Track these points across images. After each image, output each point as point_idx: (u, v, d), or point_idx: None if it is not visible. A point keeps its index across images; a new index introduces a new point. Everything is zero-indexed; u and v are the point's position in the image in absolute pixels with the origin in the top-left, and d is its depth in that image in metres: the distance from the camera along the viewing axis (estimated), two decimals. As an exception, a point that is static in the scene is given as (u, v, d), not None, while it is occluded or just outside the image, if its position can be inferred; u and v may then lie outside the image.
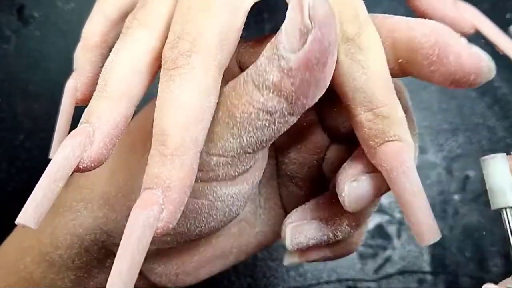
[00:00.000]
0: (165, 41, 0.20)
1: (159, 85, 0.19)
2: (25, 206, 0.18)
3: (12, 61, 0.44)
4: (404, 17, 0.20)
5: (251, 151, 0.20)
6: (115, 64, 0.20)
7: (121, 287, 0.17)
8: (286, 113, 0.19)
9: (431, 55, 0.19)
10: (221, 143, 0.20)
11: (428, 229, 0.19)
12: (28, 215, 0.18)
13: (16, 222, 0.18)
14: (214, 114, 0.19)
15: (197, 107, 0.18)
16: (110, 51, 0.22)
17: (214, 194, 0.21)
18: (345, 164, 0.22)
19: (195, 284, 0.27)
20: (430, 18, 0.21)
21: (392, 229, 0.43)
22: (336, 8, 0.19)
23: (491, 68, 0.19)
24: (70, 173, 0.19)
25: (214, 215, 0.22)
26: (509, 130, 0.45)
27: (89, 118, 0.19)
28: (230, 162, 0.21)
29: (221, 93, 0.20)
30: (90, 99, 0.21)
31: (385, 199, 0.44)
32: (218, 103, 0.19)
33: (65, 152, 0.19)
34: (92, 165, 0.19)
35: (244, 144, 0.20)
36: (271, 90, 0.18)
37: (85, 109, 0.20)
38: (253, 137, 0.20)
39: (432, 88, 0.45)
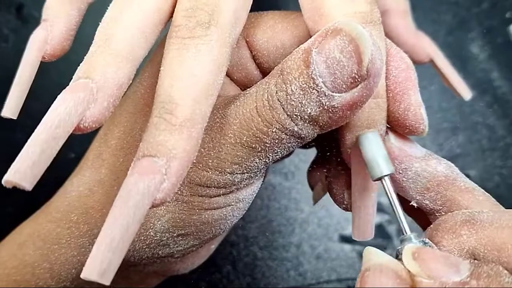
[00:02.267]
0: (173, 4, 0.19)
1: (165, 50, 0.18)
2: (17, 163, 0.16)
3: (10, 60, 0.43)
4: (398, 48, 0.21)
5: (273, 162, 0.20)
6: (120, 21, 0.19)
7: (111, 256, 0.15)
8: (316, 134, 0.19)
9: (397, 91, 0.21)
10: (246, 164, 0.20)
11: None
12: (23, 173, 0.15)
13: (4, 180, 0.16)
14: (233, 136, 0.19)
15: (209, 81, 0.18)
16: (87, 6, 0.21)
17: (236, 199, 0.22)
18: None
19: (196, 285, 0.27)
20: (393, 40, 0.23)
21: (392, 229, 0.42)
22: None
23: (425, 130, 0.21)
24: (71, 132, 0.17)
25: (236, 215, 0.23)
26: (508, 129, 0.45)
27: (90, 74, 0.18)
28: (252, 175, 0.21)
29: (239, 113, 0.19)
30: (60, 54, 0.20)
31: (385, 199, 0.43)
32: (238, 126, 0.19)
33: (67, 106, 0.17)
34: (94, 125, 0.18)
35: (268, 161, 0.20)
36: (307, 121, 0.18)
37: (83, 63, 0.18)
38: (279, 155, 0.20)
39: (432, 87, 0.45)
